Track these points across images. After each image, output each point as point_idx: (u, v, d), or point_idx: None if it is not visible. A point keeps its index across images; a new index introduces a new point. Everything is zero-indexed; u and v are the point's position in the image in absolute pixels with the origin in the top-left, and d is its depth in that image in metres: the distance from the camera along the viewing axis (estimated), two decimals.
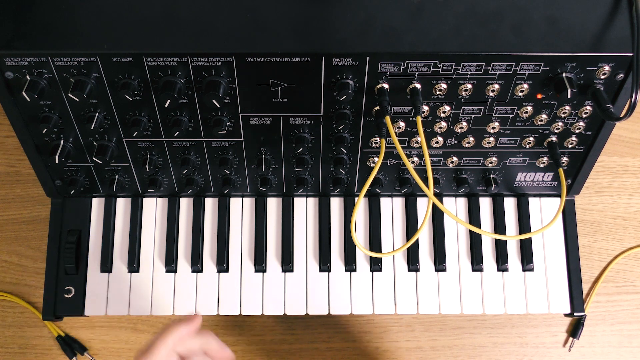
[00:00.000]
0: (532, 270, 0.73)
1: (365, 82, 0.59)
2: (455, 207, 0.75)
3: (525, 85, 0.60)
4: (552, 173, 0.72)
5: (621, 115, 0.56)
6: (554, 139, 0.66)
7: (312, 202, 0.75)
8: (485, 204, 0.75)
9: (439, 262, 0.73)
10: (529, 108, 0.62)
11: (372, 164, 0.70)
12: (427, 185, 0.57)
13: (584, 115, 0.63)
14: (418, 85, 0.59)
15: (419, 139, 0.66)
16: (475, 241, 0.74)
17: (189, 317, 0.58)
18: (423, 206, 0.75)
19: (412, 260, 0.73)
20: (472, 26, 0.57)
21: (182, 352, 0.57)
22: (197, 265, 0.72)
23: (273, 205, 0.75)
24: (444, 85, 0.59)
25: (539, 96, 0.61)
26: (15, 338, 0.77)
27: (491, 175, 0.71)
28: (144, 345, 0.55)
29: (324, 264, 0.73)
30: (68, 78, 0.58)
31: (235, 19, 0.57)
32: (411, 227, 0.74)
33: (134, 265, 0.72)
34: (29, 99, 0.57)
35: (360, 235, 0.74)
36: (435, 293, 0.73)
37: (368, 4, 0.58)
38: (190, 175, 0.71)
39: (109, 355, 0.76)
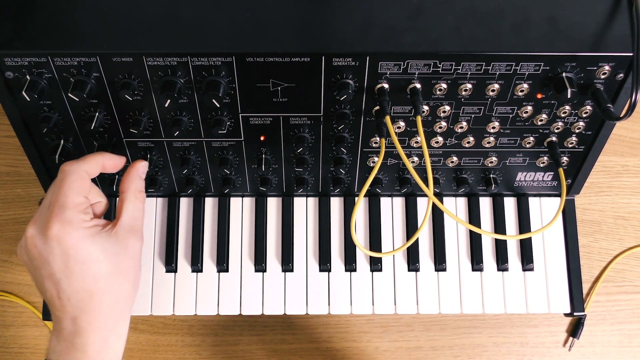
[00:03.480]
0: (532, 270, 0.73)
1: (365, 82, 0.59)
2: (455, 207, 0.75)
3: (525, 85, 0.60)
4: (552, 173, 0.72)
5: (621, 115, 0.56)
6: (554, 138, 0.66)
7: (312, 202, 0.75)
8: (485, 204, 0.75)
9: (439, 261, 0.73)
10: (529, 108, 0.62)
11: (372, 164, 0.70)
12: (427, 185, 0.57)
13: (584, 115, 0.63)
14: (418, 85, 0.59)
15: (419, 138, 0.66)
16: (475, 241, 0.74)
17: (116, 156, 0.62)
18: (423, 206, 0.75)
19: (412, 260, 0.73)
20: (472, 26, 0.57)
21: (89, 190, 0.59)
22: (197, 265, 0.72)
23: (273, 205, 0.75)
24: (444, 85, 0.59)
25: (539, 96, 0.61)
26: (15, 338, 0.77)
27: (491, 175, 0.71)
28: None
29: (324, 263, 0.73)
30: (68, 78, 0.58)
31: (235, 19, 0.57)
32: (411, 227, 0.74)
33: None
34: (29, 99, 0.57)
35: (360, 235, 0.74)
36: (435, 293, 0.73)
37: (368, 4, 0.58)
38: (190, 175, 0.71)
39: None
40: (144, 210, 0.63)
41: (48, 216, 0.55)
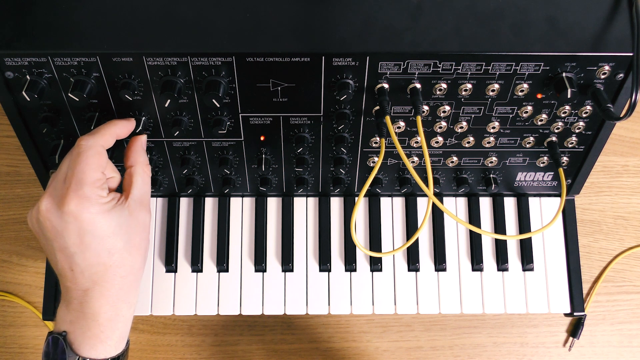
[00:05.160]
0: (532, 270, 0.73)
1: (365, 81, 0.59)
2: (455, 207, 0.75)
3: (525, 85, 0.60)
4: (552, 173, 0.72)
5: (621, 115, 0.56)
6: (554, 138, 0.66)
7: (312, 202, 0.75)
8: (485, 204, 0.75)
9: (439, 261, 0.73)
10: (529, 108, 0.62)
11: (372, 164, 0.70)
12: (427, 185, 0.57)
13: (584, 115, 0.63)
14: (418, 85, 0.59)
15: (419, 138, 0.66)
16: (475, 241, 0.74)
17: (126, 121, 0.61)
18: (423, 206, 0.75)
19: (412, 260, 0.73)
20: (472, 26, 0.57)
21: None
22: (197, 265, 0.72)
23: (273, 205, 0.75)
24: (444, 85, 0.59)
25: (539, 96, 0.61)
26: (15, 338, 0.77)
27: (491, 175, 0.71)
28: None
29: (324, 263, 0.73)
30: (68, 78, 0.58)
31: (235, 19, 0.57)
32: (411, 226, 0.74)
33: None
34: (29, 99, 0.57)
35: (360, 235, 0.74)
36: (435, 293, 0.73)
37: (368, 3, 0.58)
38: (190, 175, 0.71)
39: None
40: (150, 184, 0.62)
41: (65, 191, 0.54)
